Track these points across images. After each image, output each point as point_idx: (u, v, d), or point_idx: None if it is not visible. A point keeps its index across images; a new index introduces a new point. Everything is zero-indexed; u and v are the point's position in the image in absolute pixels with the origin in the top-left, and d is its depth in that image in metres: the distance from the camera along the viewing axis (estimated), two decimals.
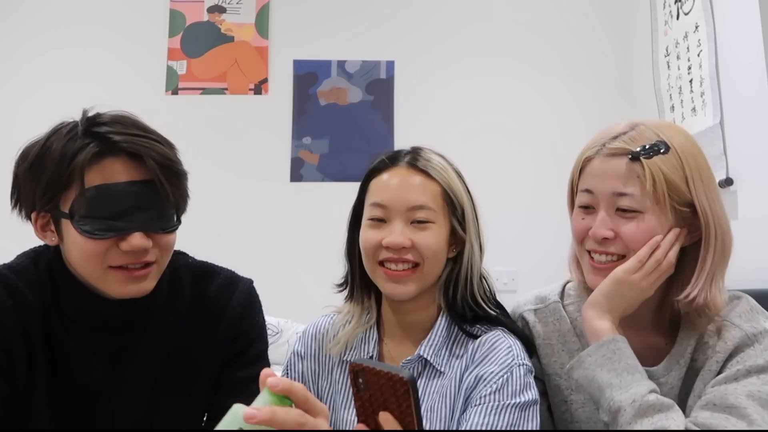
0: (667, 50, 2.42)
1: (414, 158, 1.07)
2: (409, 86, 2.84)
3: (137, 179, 0.86)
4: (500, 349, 1.00)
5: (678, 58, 2.33)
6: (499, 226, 2.71)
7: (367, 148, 2.80)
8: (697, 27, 2.17)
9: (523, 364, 1.00)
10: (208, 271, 1.04)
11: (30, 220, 0.90)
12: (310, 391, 1.10)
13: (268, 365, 1.05)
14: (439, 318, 1.06)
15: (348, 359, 1.09)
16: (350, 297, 1.13)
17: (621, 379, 0.88)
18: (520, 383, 0.97)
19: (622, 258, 0.94)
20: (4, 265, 0.94)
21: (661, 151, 0.92)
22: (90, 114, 0.89)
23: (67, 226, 0.85)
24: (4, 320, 0.86)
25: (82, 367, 0.91)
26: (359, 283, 1.11)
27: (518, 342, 1.03)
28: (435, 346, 1.03)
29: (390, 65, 2.85)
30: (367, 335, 1.09)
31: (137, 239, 0.85)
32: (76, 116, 0.90)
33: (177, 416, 0.98)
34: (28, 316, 0.88)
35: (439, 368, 1.02)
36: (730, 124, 1.98)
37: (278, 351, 2.40)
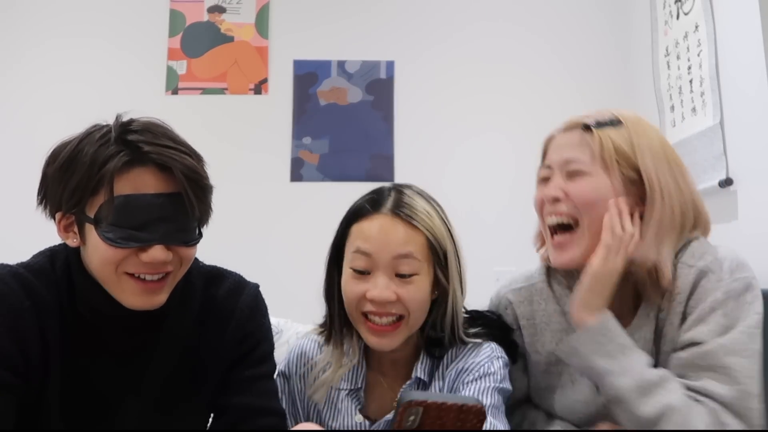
0: (667, 50, 2.42)
1: (397, 205, 1.04)
2: (409, 86, 2.84)
3: (164, 191, 0.87)
4: (481, 346, 1.05)
5: (678, 58, 2.33)
6: (499, 226, 2.72)
7: (367, 148, 2.80)
8: (697, 27, 2.17)
9: (502, 357, 1.04)
10: (217, 275, 1.05)
11: (54, 219, 0.91)
12: (297, 408, 1.11)
13: (274, 366, 1.07)
14: (422, 352, 1.08)
15: (340, 387, 1.09)
16: (328, 340, 1.12)
17: (617, 362, 0.92)
18: (501, 373, 1.01)
19: (575, 228, 0.99)
20: (21, 264, 0.94)
21: (611, 123, 0.99)
22: (123, 120, 0.90)
23: (90, 230, 0.86)
24: (22, 320, 0.86)
25: (95, 368, 0.92)
26: (338, 327, 1.10)
27: (496, 344, 1.07)
28: (426, 367, 1.06)
29: (390, 65, 2.85)
30: (356, 367, 1.09)
31: (158, 252, 0.86)
32: (95, 117, 0.92)
33: (184, 416, 0.99)
34: (45, 315, 0.88)
35: (433, 388, 1.06)
36: (730, 124, 1.98)
37: (278, 351, 2.37)
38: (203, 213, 0.93)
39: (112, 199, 0.84)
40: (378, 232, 1.02)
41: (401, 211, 1.03)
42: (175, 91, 2.82)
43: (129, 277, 0.87)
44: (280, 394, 1.11)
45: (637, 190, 0.98)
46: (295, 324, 2.50)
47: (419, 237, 1.02)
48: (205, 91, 2.84)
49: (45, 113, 2.76)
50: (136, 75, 2.81)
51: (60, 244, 0.97)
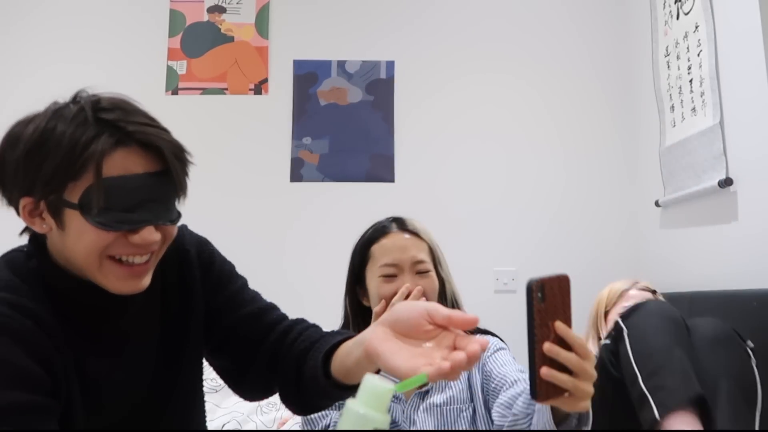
0: (667, 50, 2.43)
1: (402, 225, 1.40)
2: (409, 86, 2.84)
3: (152, 170, 0.84)
4: (485, 337, 1.36)
5: (678, 58, 2.33)
6: (499, 226, 2.72)
7: (367, 148, 2.80)
8: (697, 27, 2.18)
9: (501, 343, 1.35)
10: None
11: (14, 205, 0.86)
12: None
13: (244, 278, 1.09)
14: None
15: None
16: None
17: None
18: (508, 354, 1.32)
19: None
20: None
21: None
22: (92, 98, 0.87)
23: (72, 216, 0.82)
24: (34, 339, 0.82)
25: (97, 361, 0.91)
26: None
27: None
28: None
29: (390, 65, 2.85)
30: None
31: (150, 233, 0.84)
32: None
33: (183, 366, 1.00)
34: (44, 329, 0.84)
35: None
36: (730, 124, 1.98)
37: None
38: (185, 189, 0.90)
39: (101, 182, 0.80)
40: (398, 247, 1.36)
41: (407, 228, 1.40)
42: (175, 91, 2.83)
43: (112, 262, 0.85)
44: None
45: None
46: None
47: (424, 244, 1.39)
48: (205, 91, 2.84)
49: None
50: (136, 75, 2.82)
51: (9, 252, 0.92)
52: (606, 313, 1.80)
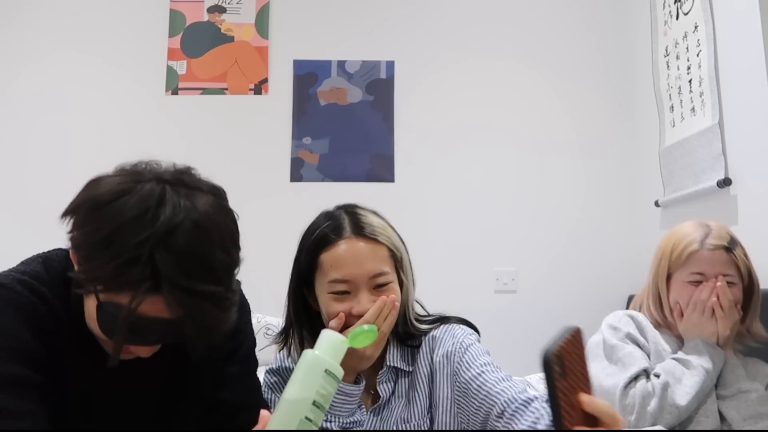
0: (666, 50, 2.43)
1: (357, 226, 1.12)
2: (409, 86, 2.85)
3: (175, 317, 0.80)
4: (449, 330, 1.15)
5: (677, 58, 2.33)
6: (499, 226, 2.72)
7: (367, 148, 2.80)
8: (696, 27, 2.18)
9: (473, 333, 1.15)
10: None
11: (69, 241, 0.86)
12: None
13: (257, 362, 1.09)
14: (391, 342, 1.16)
15: None
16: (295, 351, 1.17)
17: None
18: (478, 339, 1.14)
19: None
20: (19, 271, 0.89)
21: (737, 245, 1.42)
22: (172, 216, 0.80)
23: (91, 299, 0.82)
24: (44, 325, 0.85)
25: (98, 376, 0.91)
26: (308, 340, 1.16)
27: (460, 324, 1.18)
28: (396, 356, 1.14)
29: (390, 65, 2.86)
30: None
31: (144, 351, 0.87)
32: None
33: (182, 413, 1.00)
34: (58, 320, 0.87)
35: (407, 370, 1.14)
36: (729, 124, 1.98)
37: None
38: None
39: (126, 319, 0.78)
40: (350, 257, 1.09)
41: (363, 231, 1.11)
42: (175, 91, 2.83)
43: None
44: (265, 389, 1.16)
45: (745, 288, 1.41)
46: None
47: (383, 250, 1.11)
48: (205, 91, 2.84)
49: (45, 113, 2.76)
50: (136, 75, 2.81)
51: (52, 251, 0.95)
52: (669, 276, 1.42)
